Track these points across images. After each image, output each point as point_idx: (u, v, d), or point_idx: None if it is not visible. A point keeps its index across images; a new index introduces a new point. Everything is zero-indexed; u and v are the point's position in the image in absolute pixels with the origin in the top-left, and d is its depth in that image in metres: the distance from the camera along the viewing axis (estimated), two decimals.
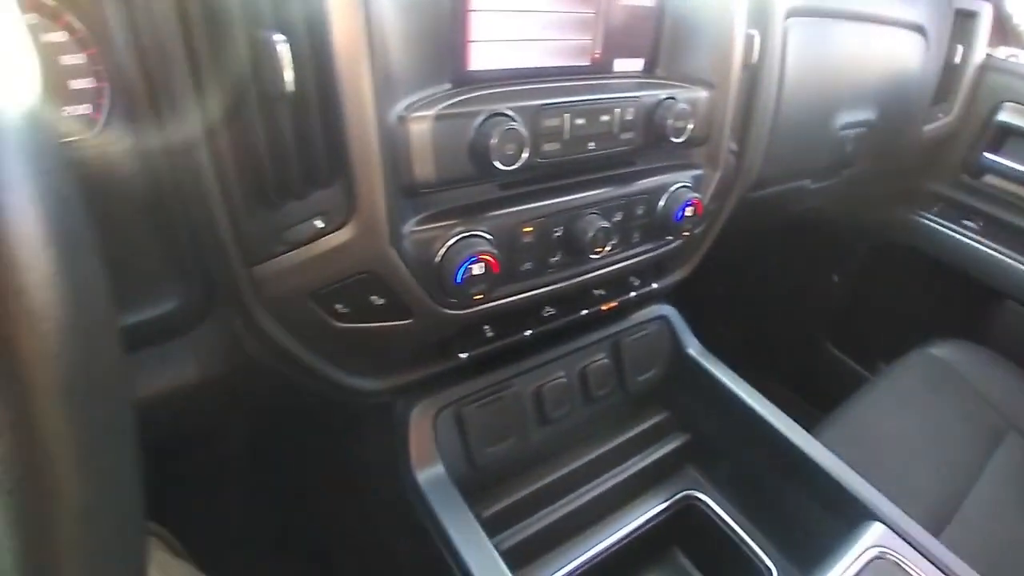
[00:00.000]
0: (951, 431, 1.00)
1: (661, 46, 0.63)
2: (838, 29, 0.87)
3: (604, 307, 0.71)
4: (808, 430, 0.73)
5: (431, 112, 0.46)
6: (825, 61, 0.86)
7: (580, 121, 0.54)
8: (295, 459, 0.98)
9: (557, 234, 0.58)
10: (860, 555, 0.59)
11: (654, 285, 0.76)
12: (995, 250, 1.22)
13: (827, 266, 1.55)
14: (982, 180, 1.22)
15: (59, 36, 0.39)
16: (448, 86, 0.50)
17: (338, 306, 0.51)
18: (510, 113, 0.49)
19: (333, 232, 0.47)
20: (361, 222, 0.47)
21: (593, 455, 0.77)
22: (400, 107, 0.46)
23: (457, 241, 0.51)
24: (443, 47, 0.48)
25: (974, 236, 1.25)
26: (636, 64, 0.62)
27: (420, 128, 0.46)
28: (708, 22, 0.63)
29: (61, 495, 0.19)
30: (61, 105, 0.40)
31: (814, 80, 0.84)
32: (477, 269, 0.51)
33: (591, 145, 0.56)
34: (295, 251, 0.47)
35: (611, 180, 0.61)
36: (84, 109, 0.41)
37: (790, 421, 0.73)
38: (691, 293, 0.86)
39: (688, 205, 0.64)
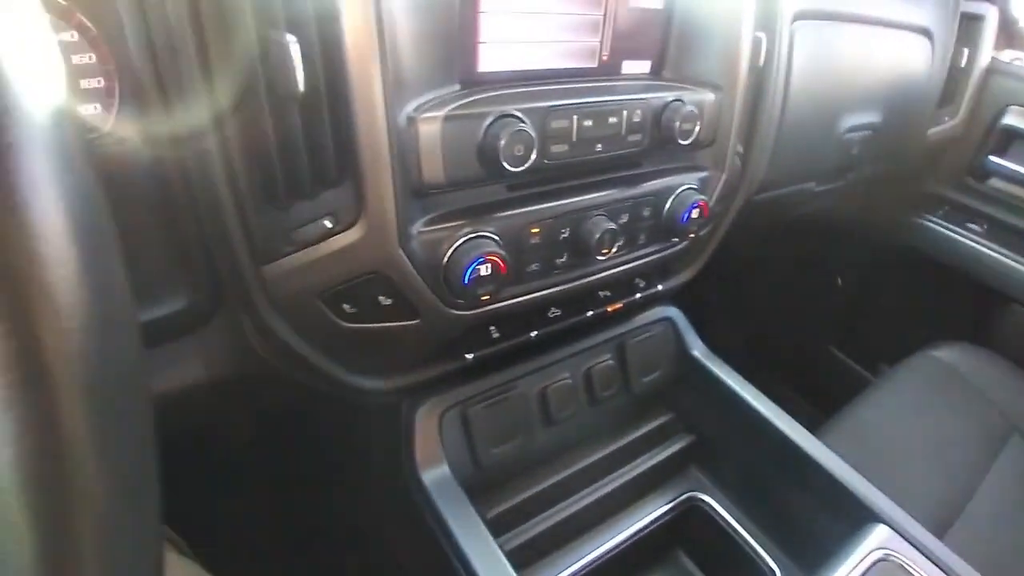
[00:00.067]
0: (955, 434, 1.00)
1: (668, 48, 0.63)
2: (844, 32, 0.87)
3: (609, 308, 0.71)
4: (812, 432, 0.73)
5: (441, 113, 0.46)
6: (831, 64, 0.86)
7: (588, 123, 0.54)
8: (300, 459, 0.98)
9: (564, 235, 0.58)
10: (864, 557, 0.59)
11: (659, 287, 0.76)
12: (1000, 253, 1.22)
13: (831, 269, 1.55)
14: (987, 183, 1.22)
15: (70, 36, 0.39)
16: (457, 87, 0.50)
17: (346, 306, 0.51)
18: (519, 115, 0.49)
19: (342, 232, 0.47)
20: (370, 222, 0.47)
21: (597, 456, 0.78)
22: (410, 108, 0.46)
23: (465, 242, 0.51)
24: (453, 48, 0.49)
25: (979, 239, 1.25)
26: (643, 66, 0.62)
27: (430, 129, 0.46)
28: (715, 25, 0.63)
29: (85, 495, 0.19)
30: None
31: (820, 83, 0.84)
32: (484, 270, 0.51)
33: (599, 147, 0.57)
34: (304, 251, 0.48)
35: (618, 182, 0.61)
36: (94, 109, 0.41)
37: (794, 423, 0.74)
38: (696, 295, 0.86)
39: (694, 207, 0.64)
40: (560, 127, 0.53)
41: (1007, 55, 1.18)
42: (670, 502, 0.78)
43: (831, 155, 0.94)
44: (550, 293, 0.60)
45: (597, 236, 0.57)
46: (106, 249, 0.21)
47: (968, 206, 1.26)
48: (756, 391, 0.77)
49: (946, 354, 1.14)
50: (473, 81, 0.51)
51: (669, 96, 0.60)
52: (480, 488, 0.67)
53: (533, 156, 0.50)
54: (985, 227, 1.25)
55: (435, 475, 0.63)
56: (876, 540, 0.61)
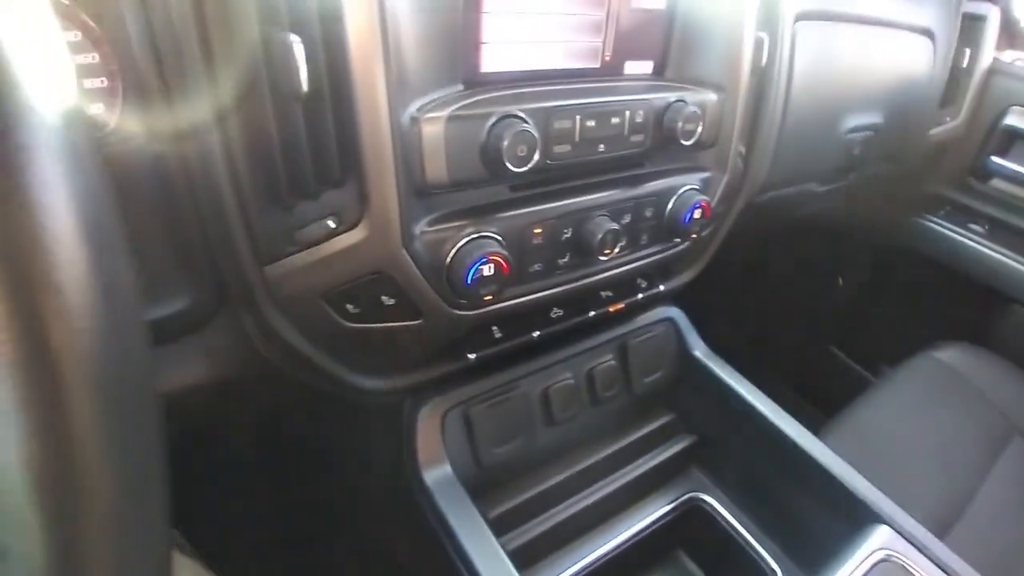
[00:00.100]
0: (956, 435, 1.00)
1: (671, 49, 0.63)
2: (846, 33, 0.87)
3: (611, 309, 0.71)
4: (813, 433, 0.73)
5: (444, 113, 0.46)
6: (833, 64, 0.86)
7: (591, 123, 0.54)
8: (302, 458, 0.98)
9: (566, 235, 0.58)
10: (865, 558, 0.59)
11: (661, 287, 0.76)
12: (1001, 254, 1.22)
13: (833, 269, 1.55)
14: (989, 184, 1.22)
15: (73, 36, 0.39)
16: (460, 87, 0.50)
17: (349, 306, 0.51)
18: (522, 115, 0.49)
19: (345, 232, 0.47)
20: (373, 222, 0.47)
21: (599, 456, 0.78)
22: (413, 108, 0.46)
23: (468, 242, 0.51)
24: (456, 49, 0.49)
25: (980, 240, 1.25)
26: (646, 67, 0.62)
27: (433, 129, 0.46)
28: (718, 25, 0.63)
29: (94, 494, 0.19)
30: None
31: (822, 83, 0.84)
32: (487, 270, 0.51)
33: (601, 147, 0.57)
34: (307, 251, 0.48)
35: (620, 182, 0.62)
36: (97, 108, 0.41)
37: (796, 424, 0.74)
38: (697, 295, 0.86)
39: (696, 208, 0.64)
40: (563, 127, 0.53)
41: (1009, 55, 1.18)
42: (671, 502, 0.78)
43: (833, 156, 0.94)
44: (552, 293, 0.60)
45: (599, 236, 0.57)
46: (115, 250, 0.21)
47: (970, 207, 1.26)
48: (757, 391, 0.77)
49: (947, 355, 1.14)
50: (476, 81, 0.51)
51: (671, 96, 0.60)
52: (482, 488, 0.67)
53: (536, 156, 0.50)
54: (987, 228, 1.25)
55: (437, 475, 0.63)
56: (877, 541, 0.61)
